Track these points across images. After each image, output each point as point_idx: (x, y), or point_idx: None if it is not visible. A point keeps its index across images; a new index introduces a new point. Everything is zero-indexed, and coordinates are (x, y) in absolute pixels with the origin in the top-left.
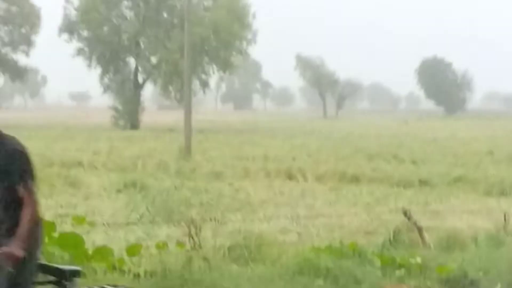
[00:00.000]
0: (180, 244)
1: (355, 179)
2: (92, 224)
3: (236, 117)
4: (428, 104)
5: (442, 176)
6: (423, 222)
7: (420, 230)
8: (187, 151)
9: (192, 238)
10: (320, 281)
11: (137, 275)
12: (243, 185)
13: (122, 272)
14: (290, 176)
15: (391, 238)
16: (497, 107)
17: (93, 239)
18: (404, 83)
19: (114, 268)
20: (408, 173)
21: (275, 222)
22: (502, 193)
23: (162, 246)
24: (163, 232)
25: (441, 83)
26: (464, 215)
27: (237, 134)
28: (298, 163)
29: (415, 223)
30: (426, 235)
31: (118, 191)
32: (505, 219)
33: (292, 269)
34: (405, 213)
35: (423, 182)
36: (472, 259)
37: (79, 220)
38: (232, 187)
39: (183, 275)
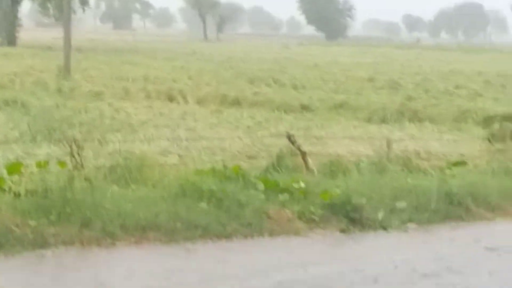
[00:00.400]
0: (61, 163)
1: (237, 103)
2: None
3: (115, 37)
4: (309, 30)
5: (323, 102)
6: (305, 147)
7: (303, 155)
8: (66, 69)
9: (74, 157)
10: (203, 204)
11: (17, 194)
12: (123, 106)
13: (2, 190)
14: (170, 98)
15: (274, 163)
16: (378, 34)
17: None
18: (285, 8)
19: None
20: (289, 98)
21: (156, 144)
22: (383, 120)
23: (43, 165)
24: (44, 151)
25: (322, 9)
26: (346, 141)
27: (117, 54)
28: (179, 85)
29: (299, 148)
30: (309, 160)
31: None
32: (388, 146)
33: (175, 191)
34: (289, 138)
35: (304, 107)
36: (355, 185)
37: None
38: (112, 107)
39: (65, 195)
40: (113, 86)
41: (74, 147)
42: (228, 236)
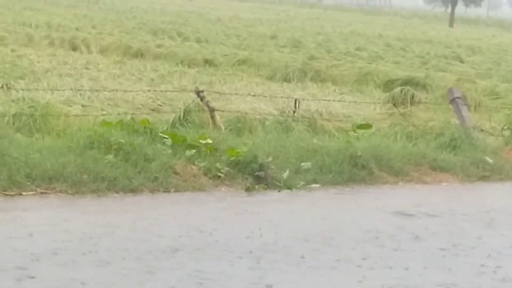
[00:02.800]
0: None
1: (140, 54)
2: None
3: None
4: None
5: (226, 57)
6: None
7: (212, 111)
8: None
9: None
10: (110, 156)
11: None
12: (27, 53)
13: None
14: (74, 47)
15: (181, 117)
16: None
17: None
18: None
19: None
20: (192, 52)
21: (59, 93)
22: (286, 78)
23: None
24: None
25: None
26: (249, 98)
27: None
28: (82, 34)
29: (207, 104)
30: (217, 116)
31: None
32: (295, 105)
33: (82, 142)
34: (198, 93)
35: (207, 62)
36: (261, 143)
37: None
38: (15, 53)
39: None
40: (15, 31)
41: None
42: (134, 190)
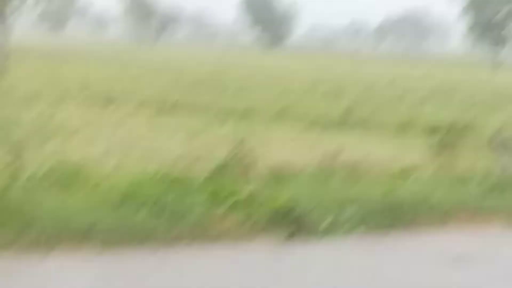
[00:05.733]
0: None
1: (176, 108)
2: None
3: (52, 39)
4: (249, 37)
5: (266, 107)
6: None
7: (250, 161)
8: (2, 71)
9: (14, 162)
10: (144, 211)
11: None
12: (60, 109)
13: None
14: (108, 103)
15: (219, 168)
16: (324, 37)
17: None
18: (226, 14)
19: None
20: (231, 102)
21: (93, 149)
22: (326, 127)
23: None
24: None
25: (264, 15)
26: (289, 147)
27: (53, 58)
28: (117, 89)
29: (246, 154)
30: (256, 166)
31: None
32: (334, 154)
33: (115, 198)
34: (237, 143)
35: (246, 112)
36: (301, 192)
37: None
38: (50, 110)
39: (2, 199)
40: (50, 87)
41: (16, 150)
42: (171, 243)
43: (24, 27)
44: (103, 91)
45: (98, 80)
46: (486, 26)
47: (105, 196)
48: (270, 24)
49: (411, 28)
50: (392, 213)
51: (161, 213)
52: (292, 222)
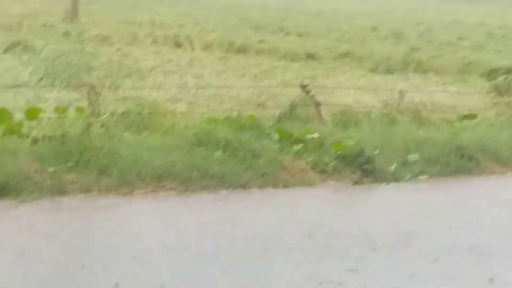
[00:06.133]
0: (79, 109)
1: (242, 50)
2: None
3: None
4: None
5: (328, 51)
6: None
7: (317, 105)
8: (73, 13)
9: (92, 104)
10: (218, 153)
11: (35, 140)
12: (131, 51)
13: (21, 135)
14: (177, 44)
15: (287, 112)
16: None
17: None
18: None
19: (12, 131)
20: (294, 46)
21: (164, 91)
22: (388, 70)
23: (61, 111)
24: (55, 95)
25: None
26: (352, 91)
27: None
28: (185, 31)
29: (313, 98)
30: (323, 110)
31: (5, 51)
32: (400, 97)
33: (190, 139)
34: (303, 87)
35: (309, 56)
36: (367, 136)
37: None
38: (120, 52)
39: (83, 142)
40: (120, 31)
41: (91, 93)
42: (243, 186)
43: None
44: (172, 33)
45: (166, 23)
46: None
47: (180, 137)
48: None
49: None
50: (456, 157)
51: (235, 155)
52: (359, 166)
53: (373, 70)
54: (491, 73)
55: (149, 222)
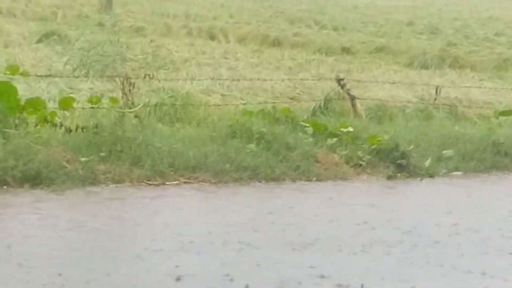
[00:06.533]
0: (113, 99)
1: (277, 43)
2: (25, 74)
3: None
4: None
5: (363, 45)
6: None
7: (352, 99)
8: (108, 3)
9: (125, 94)
10: (252, 146)
11: (68, 130)
12: (165, 43)
13: (54, 125)
14: (211, 36)
15: (322, 106)
16: None
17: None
18: None
19: (45, 120)
20: (329, 40)
21: (198, 83)
22: (423, 65)
23: (95, 101)
24: (88, 85)
25: None
26: (388, 86)
27: None
28: (219, 23)
29: (348, 92)
30: (358, 104)
31: (39, 41)
32: (436, 92)
33: (223, 131)
34: (338, 81)
35: (344, 50)
36: (402, 131)
37: (12, 69)
38: (154, 43)
39: (116, 132)
40: (154, 22)
41: (125, 84)
42: (276, 179)
43: None
44: (206, 25)
45: (200, 14)
46: None
47: (214, 129)
48: None
49: None
50: (492, 153)
51: (268, 148)
52: (394, 161)
53: (409, 65)
54: None
55: (183, 210)
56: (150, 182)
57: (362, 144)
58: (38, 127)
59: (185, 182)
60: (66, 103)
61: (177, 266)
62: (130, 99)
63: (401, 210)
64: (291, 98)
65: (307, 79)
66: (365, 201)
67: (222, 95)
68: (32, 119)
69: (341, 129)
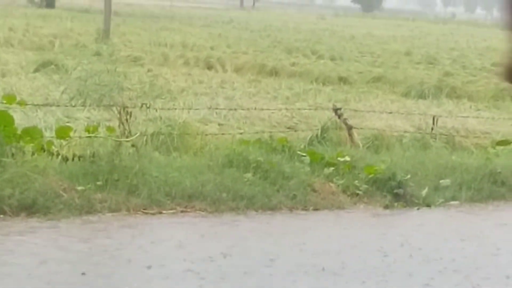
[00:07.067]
0: (110, 128)
1: (274, 73)
2: (22, 103)
3: (152, 2)
4: (344, 1)
5: (360, 75)
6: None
7: (349, 128)
8: (105, 33)
9: (122, 123)
10: (249, 175)
11: (65, 158)
12: (162, 72)
13: (51, 154)
14: (208, 66)
15: (319, 135)
16: (412, 7)
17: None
18: None
19: (42, 149)
20: (327, 70)
21: (195, 112)
22: (421, 95)
23: (92, 130)
24: (84, 115)
25: None
26: (385, 115)
27: (154, 20)
28: (217, 53)
29: (345, 122)
30: (355, 134)
31: (36, 70)
32: (433, 122)
33: (220, 160)
34: (335, 111)
35: (341, 79)
36: (399, 160)
37: (9, 99)
38: (151, 73)
39: (112, 161)
40: (151, 51)
41: (123, 113)
42: (273, 208)
43: None
44: (203, 55)
45: (197, 44)
46: None
47: (210, 158)
48: None
49: None
50: (489, 183)
51: (265, 177)
52: (391, 190)
53: (406, 95)
54: None
55: (177, 241)
56: (146, 211)
57: (359, 173)
58: (35, 156)
59: (181, 211)
60: (63, 132)
61: None
62: (127, 128)
63: (396, 240)
64: (288, 128)
65: (304, 109)
66: (360, 230)
67: (219, 124)
68: (29, 148)
69: (338, 159)
